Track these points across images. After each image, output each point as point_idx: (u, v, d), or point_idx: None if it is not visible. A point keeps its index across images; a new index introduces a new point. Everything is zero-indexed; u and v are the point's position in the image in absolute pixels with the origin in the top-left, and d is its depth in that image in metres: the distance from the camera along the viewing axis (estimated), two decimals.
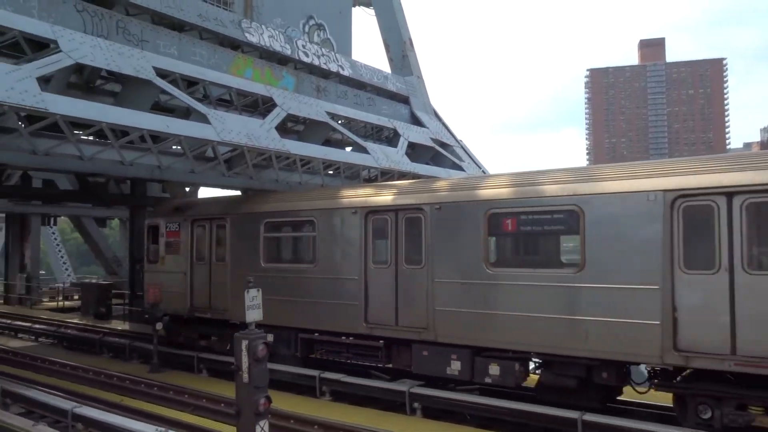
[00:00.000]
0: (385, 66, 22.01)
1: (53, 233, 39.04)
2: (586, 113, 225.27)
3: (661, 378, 8.95)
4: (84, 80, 13.25)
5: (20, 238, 29.39)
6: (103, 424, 8.96)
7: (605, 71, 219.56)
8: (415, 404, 10.24)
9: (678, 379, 8.78)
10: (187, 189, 21.99)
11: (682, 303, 8.21)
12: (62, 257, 39.99)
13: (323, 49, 18.08)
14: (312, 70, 17.51)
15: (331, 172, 17.27)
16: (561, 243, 9.65)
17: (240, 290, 12.57)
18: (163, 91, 12.36)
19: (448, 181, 11.64)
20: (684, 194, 8.31)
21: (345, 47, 20.69)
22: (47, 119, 10.01)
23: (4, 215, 30.55)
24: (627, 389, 9.62)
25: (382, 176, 16.89)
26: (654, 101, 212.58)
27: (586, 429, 8.44)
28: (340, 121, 17.66)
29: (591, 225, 8.95)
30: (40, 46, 10.96)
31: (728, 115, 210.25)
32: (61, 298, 28.23)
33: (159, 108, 13.98)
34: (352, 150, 18.29)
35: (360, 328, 11.41)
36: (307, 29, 19.11)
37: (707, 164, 8.42)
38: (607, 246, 8.78)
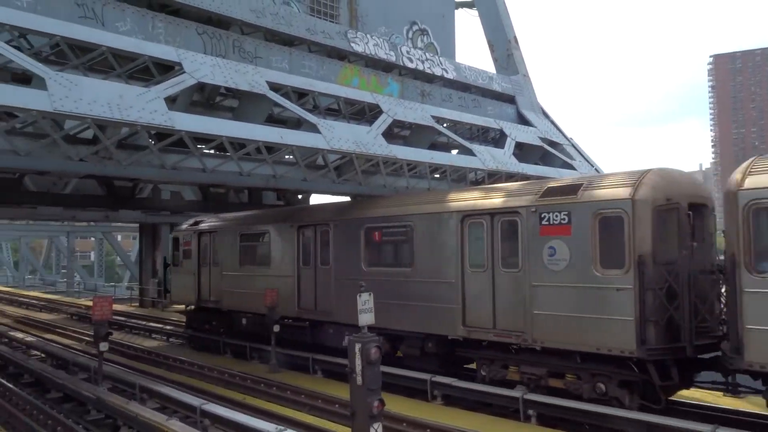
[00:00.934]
0: (489, 66, 21.72)
1: None
2: (710, 103, 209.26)
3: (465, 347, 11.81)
4: (205, 98, 14.20)
5: (152, 246, 31.90)
6: (228, 421, 9.50)
7: (731, 56, 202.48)
8: (530, 411, 9.95)
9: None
10: (299, 196, 22.89)
11: (468, 292, 11.39)
12: None
13: (427, 54, 18.14)
14: (416, 75, 17.62)
15: (437, 175, 17.26)
16: None
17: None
18: (276, 104, 12.95)
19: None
20: (468, 215, 11.44)
21: (448, 50, 20.64)
22: (174, 136, 10.81)
23: (138, 225, 33.38)
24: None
25: (489, 178, 16.64)
26: None
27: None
28: (445, 125, 17.62)
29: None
30: (166, 69, 11.87)
31: None
32: None
33: (272, 120, 14.69)
34: (457, 153, 18.18)
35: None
36: (410, 35, 19.28)
37: (485, 194, 11.68)
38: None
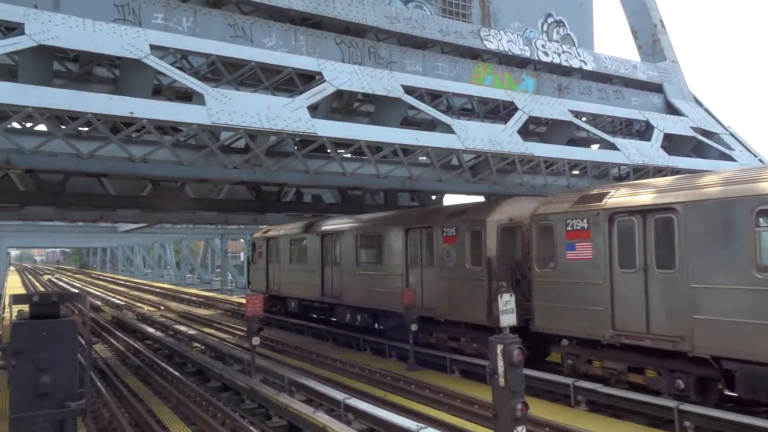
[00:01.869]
0: (632, 54, 20.42)
1: None
2: None
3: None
4: (343, 104, 14.78)
5: None
6: (371, 416, 9.82)
7: None
8: (686, 423, 9.19)
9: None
10: (433, 197, 23.04)
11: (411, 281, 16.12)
12: None
13: (563, 46, 17.46)
14: (552, 69, 17.03)
15: (576, 172, 16.56)
16: None
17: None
18: (411, 107, 13.15)
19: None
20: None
21: (586, 41, 19.71)
22: (316, 142, 11.38)
23: None
24: None
25: (634, 174, 15.65)
26: None
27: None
28: (584, 119, 16.84)
29: None
30: (308, 79, 12.53)
31: None
32: None
33: (407, 123, 14.94)
34: (599, 148, 17.30)
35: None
36: (545, 28, 18.67)
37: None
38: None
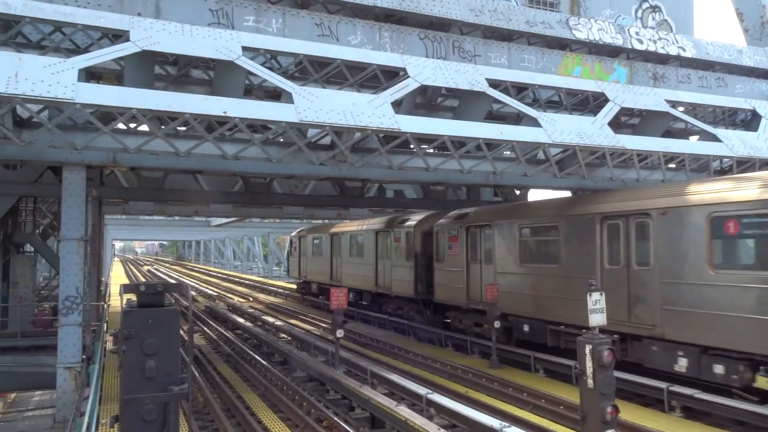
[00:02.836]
0: (737, 39, 19.06)
1: None
2: None
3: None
4: (427, 99, 14.75)
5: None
6: (453, 412, 9.78)
7: None
8: None
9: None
10: (517, 192, 22.59)
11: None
12: None
13: (660, 33, 16.56)
14: (647, 57, 16.18)
15: (672, 165, 15.70)
16: None
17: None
18: (495, 100, 12.94)
19: None
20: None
21: (686, 26, 18.62)
22: (400, 138, 11.44)
23: None
24: None
25: (738, 167, 14.64)
26: None
27: None
28: (681, 109, 15.92)
29: None
30: (392, 75, 12.60)
31: None
32: None
33: (492, 117, 14.71)
34: (698, 139, 16.31)
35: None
36: (640, 14, 17.80)
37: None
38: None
